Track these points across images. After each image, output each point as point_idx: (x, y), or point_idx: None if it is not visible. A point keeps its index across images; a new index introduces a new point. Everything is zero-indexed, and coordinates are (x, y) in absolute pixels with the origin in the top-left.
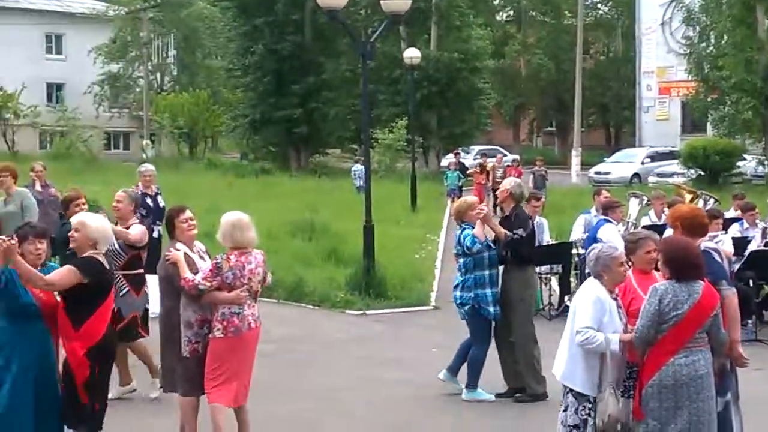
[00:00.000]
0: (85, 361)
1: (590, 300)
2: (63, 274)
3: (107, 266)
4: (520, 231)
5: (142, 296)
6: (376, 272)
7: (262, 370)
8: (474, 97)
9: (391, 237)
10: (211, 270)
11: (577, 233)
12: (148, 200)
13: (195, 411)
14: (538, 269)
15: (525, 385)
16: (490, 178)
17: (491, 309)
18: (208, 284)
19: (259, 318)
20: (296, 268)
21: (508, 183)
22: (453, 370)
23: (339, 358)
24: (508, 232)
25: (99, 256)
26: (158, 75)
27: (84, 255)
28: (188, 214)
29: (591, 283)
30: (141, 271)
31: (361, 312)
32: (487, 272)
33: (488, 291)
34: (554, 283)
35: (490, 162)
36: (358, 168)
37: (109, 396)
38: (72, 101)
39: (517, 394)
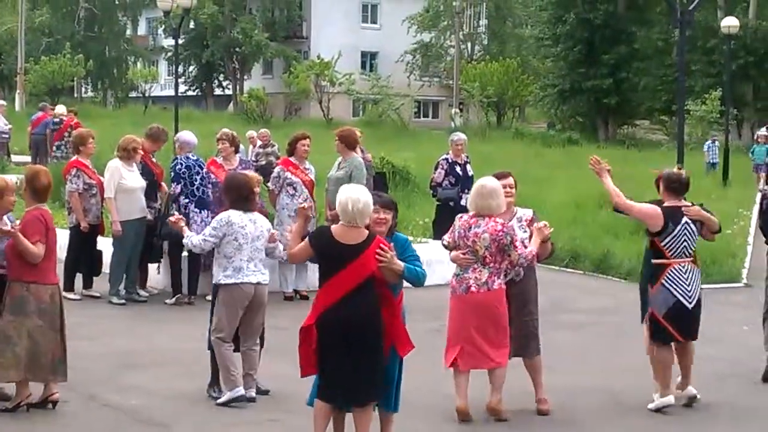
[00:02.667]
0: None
1: None
2: None
3: None
4: None
5: None
6: None
7: (570, 339)
8: None
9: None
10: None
11: None
12: (458, 168)
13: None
14: None
15: None
16: None
17: None
18: (449, 241)
19: (489, 285)
20: (604, 239)
21: None
22: None
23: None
24: None
25: None
26: (469, 44)
27: None
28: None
29: None
30: None
31: None
32: None
33: None
34: None
35: None
36: (711, 145)
37: None
38: (384, 70)
39: None
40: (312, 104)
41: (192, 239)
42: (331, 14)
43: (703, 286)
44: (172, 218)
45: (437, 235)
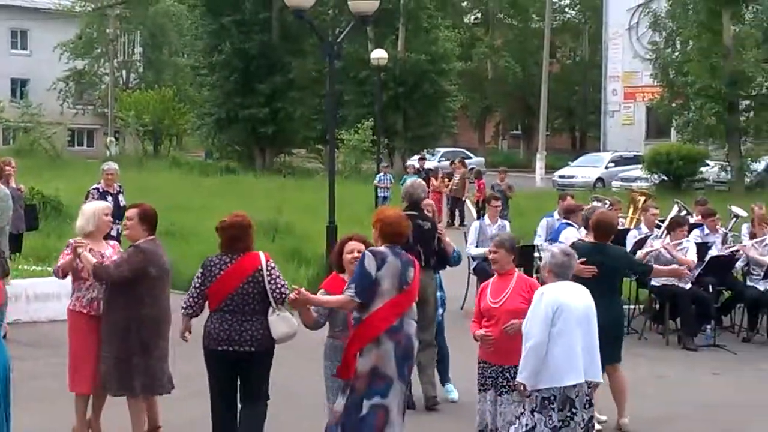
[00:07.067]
0: None
1: None
2: None
3: None
4: None
5: None
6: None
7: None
8: (440, 99)
9: None
10: None
11: (540, 237)
12: (109, 198)
13: None
14: None
15: None
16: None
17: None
18: None
19: None
20: None
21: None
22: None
23: (297, 353)
24: None
25: None
26: (124, 72)
27: None
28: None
29: None
30: None
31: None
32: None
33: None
34: None
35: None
36: (383, 177)
37: None
38: (36, 97)
39: None
40: None
41: None
42: None
43: None
44: None
45: None
